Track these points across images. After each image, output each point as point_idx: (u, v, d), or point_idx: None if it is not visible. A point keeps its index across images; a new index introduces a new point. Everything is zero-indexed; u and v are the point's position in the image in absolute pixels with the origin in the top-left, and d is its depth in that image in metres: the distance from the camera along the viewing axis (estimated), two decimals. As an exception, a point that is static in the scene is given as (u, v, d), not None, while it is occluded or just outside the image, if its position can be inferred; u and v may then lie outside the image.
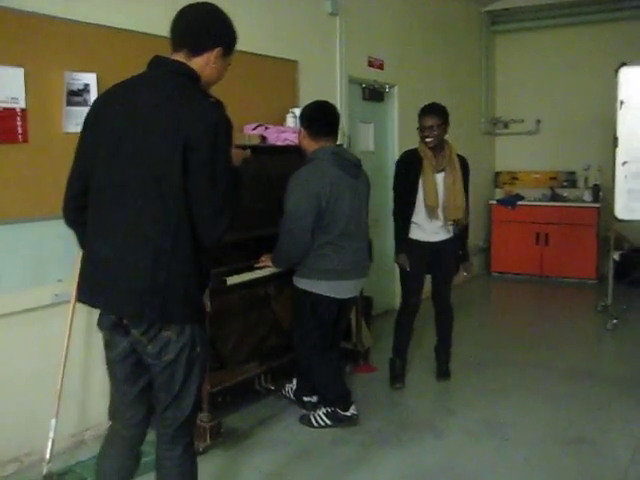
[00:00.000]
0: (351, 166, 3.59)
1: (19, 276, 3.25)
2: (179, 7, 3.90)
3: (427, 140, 4.11)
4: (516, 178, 8.71)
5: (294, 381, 4.03)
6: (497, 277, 8.38)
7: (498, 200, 8.39)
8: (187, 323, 2.14)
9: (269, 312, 4.19)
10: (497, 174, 8.88)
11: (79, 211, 2.21)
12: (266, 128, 4.40)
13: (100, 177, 2.11)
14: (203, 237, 2.09)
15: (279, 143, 4.31)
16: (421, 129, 4.18)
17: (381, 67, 6.11)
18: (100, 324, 2.24)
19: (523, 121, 8.56)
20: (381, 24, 6.10)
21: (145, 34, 3.74)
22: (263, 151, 4.14)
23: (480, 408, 4.04)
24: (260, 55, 4.59)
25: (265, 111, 4.62)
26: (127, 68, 3.63)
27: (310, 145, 3.60)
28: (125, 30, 3.64)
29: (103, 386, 3.56)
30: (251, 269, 3.59)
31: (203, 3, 2.30)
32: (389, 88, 6.32)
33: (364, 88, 5.99)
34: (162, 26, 3.81)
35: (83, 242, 2.23)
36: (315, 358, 3.65)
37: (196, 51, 2.18)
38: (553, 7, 8.00)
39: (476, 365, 4.89)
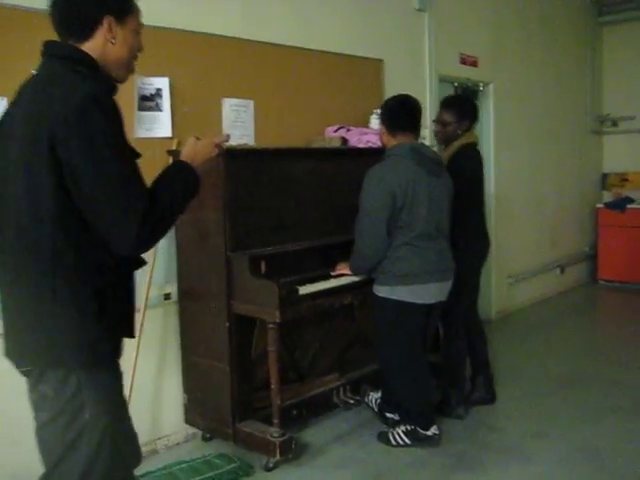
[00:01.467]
0: (431, 163, 3.37)
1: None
2: (254, 9, 3.93)
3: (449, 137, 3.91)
4: (626, 179, 8.11)
5: (372, 395, 3.83)
6: (603, 285, 7.83)
7: (606, 203, 7.83)
8: (72, 371, 1.65)
9: (352, 322, 4.03)
10: (605, 175, 8.30)
11: None
12: (348, 130, 4.24)
13: None
14: (116, 251, 1.67)
15: (361, 145, 4.13)
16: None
17: (475, 64, 5.81)
18: None
19: (634, 118, 7.95)
20: (474, 18, 5.81)
21: (219, 36, 3.68)
22: (343, 154, 3.99)
23: (575, 432, 3.67)
24: (343, 55, 4.45)
25: (348, 113, 4.47)
26: (200, 72, 3.65)
27: (389, 141, 3.43)
28: (198, 33, 3.57)
29: (176, 394, 3.55)
30: (327, 277, 3.43)
31: None
32: (484, 86, 6.02)
33: (456, 87, 5.73)
34: (236, 28, 3.82)
35: None
36: (398, 371, 3.44)
37: (83, 36, 1.72)
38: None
39: (573, 383, 4.51)
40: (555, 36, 7.16)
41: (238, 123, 3.79)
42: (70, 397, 1.65)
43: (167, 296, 3.52)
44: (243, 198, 3.29)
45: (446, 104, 4.00)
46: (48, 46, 1.74)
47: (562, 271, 7.47)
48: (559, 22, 7.25)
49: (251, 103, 3.86)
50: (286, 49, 4.06)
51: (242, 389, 3.33)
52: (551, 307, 6.89)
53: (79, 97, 1.58)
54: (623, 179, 8.14)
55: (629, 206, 7.63)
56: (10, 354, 1.74)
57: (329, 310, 3.62)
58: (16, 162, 1.65)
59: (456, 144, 3.84)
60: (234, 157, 3.22)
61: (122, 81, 1.85)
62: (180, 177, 1.83)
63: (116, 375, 1.79)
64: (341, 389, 3.85)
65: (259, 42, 3.89)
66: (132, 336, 1.86)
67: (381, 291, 3.33)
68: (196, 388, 3.52)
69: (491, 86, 6.06)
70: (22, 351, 1.70)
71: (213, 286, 3.30)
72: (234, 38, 3.75)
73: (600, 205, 7.88)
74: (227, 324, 3.25)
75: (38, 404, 1.70)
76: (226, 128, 3.71)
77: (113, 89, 1.77)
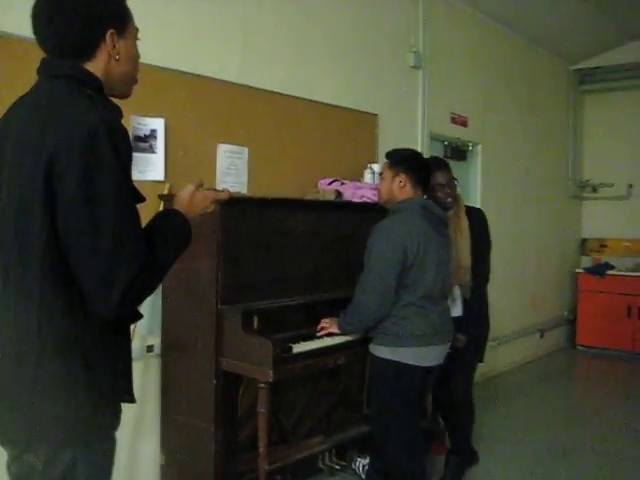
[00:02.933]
0: (439, 222, 3.28)
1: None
2: (254, 55, 3.86)
3: (448, 201, 3.61)
4: (605, 245, 8.14)
5: (359, 461, 3.63)
6: (582, 351, 7.77)
7: (585, 268, 7.84)
8: (66, 444, 1.45)
9: (337, 382, 3.86)
10: (584, 240, 8.35)
11: None
12: (342, 183, 4.14)
13: None
14: (94, 309, 1.42)
15: (355, 200, 4.03)
16: (432, 188, 3.55)
17: (464, 124, 5.82)
18: None
19: (613, 185, 8.03)
20: (465, 80, 5.84)
21: (217, 80, 3.59)
22: (338, 208, 3.88)
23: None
24: (338, 107, 4.39)
25: (342, 165, 4.39)
26: (197, 115, 3.53)
27: (403, 193, 3.27)
28: (196, 75, 3.48)
29: (153, 454, 3.32)
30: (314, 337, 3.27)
31: None
32: (472, 146, 6.02)
33: (446, 145, 5.72)
34: (235, 73, 3.73)
35: None
36: (393, 436, 3.25)
37: (85, 58, 1.53)
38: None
39: (556, 453, 4.38)
40: (540, 102, 7.26)
41: (232, 170, 3.67)
42: (64, 473, 1.44)
43: (149, 348, 3.32)
44: (237, 249, 3.14)
45: (442, 164, 3.73)
46: (48, 64, 1.53)
47: (542, 335, 7.40)
48: (544, 88, 7.37)
49: (245, 150, 3.75)
50: (283, 97, 3.98)
51: (227, 451, 3.12)
52: (532, 371, 6.80)
53: (88, 125, 1.37)
54: (602, 245, 8.18)
55: (609, 272, 7.64)
56: None
57: (322, 370, 3.45)
58: (6, 191, 1.46)
59: (462, 205, 3.73)
60: (229, 206, 3.08)
61: (127, 96, 1.68)
62: (176, 231, 1.60)
63: (112, 446, 1.58)
64: (327, 453, 3.65)
65: (257, 89, 3.81)
66: (132, 401, 1.62)
67: (381, 352, 3.16)
68: (176, 449, 3.29)
69: (479, 147, 6.07)
70: (9, 422, 1.47)
71: (201, 340, 3.11)
72: (232, 83, 3.67)
73: (580, 270, 7.88)
74: (214, 382, 3.06)
75: (21, 478, 1.48)
76: (220, 175, 3.59)
77: (121, 117, 1.57)
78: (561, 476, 4.02)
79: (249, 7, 3.81)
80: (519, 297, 6.92)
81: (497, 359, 6.48)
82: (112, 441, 1.58)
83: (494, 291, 6.28)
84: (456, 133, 5.74)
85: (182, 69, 3.39)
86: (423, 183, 3.30)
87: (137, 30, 1.64)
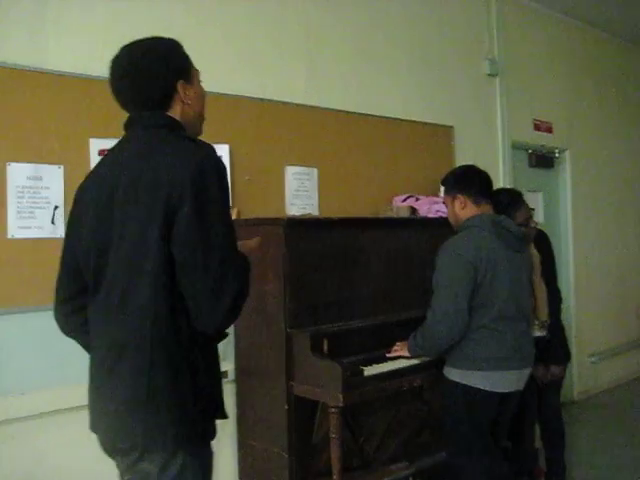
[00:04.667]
0: (514, 238, 3.08)
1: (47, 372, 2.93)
2: (319, 75, 3.84)
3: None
4: None
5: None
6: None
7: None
8: (178, 450, 1.60)
9: (422, 404, 3.72)
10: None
11: (69, 318, 1.83)
12: (417, 199, 4.04)
13: (91, 276, 1.69)
14: (201, 324, 1.59)
15: (431, 215, 3.92)
16: None
17: (549, 130, 5.59)
18: None
19: None
20: (547, 83, 5.61)
21: (281, 102, 3.60)
22: (410, 224, 3.77)
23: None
24: (411, 121, 4.31)
25: (417, 181, 4.28)
26: (262, 139, 3.53)
27: (467, 213, 3.14)
28: (259, 99, 3.50)
29: (231, 482, 3.31)
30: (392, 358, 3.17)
31: (137, 47, 1.75)
32: (559, 153, 5.77)
33: (530, 154, 5.50)
34: (300, 94, 3.72)
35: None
36: (468, 463, 3.09)
37: (164, 104, 1.74)
38: None
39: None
40: (634, 101, 6.88)
41: (301, 192, 3.65)
42: (177, 475, 1.60)
43: (224, 374, 3.32)
44: (304, 271, 3.10)
45: (517, 202, 3.44)
46: (139, 117, 1.74)
47: (649, 348, 6.95)
48: (636, 86, 6.97)
49: (315, 171, 3.72)
50: (350, 115, 3.94)
51: (302, 477, 3.06)
52: (637, 390, 6.37)
53: (196, 161, 1.58)
54: None
55: None
56: (102, 430, 1.67)
57: (399, 393, 3.34)
58: (123, 226, 1.62)
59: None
60: (295, 227, 3.05)
61: (200, 134, 1.85)
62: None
63: (212, 456, 1.75)
64: (410, 479, 3.52)
65: (324, 108, 3.79)
66: (225, 416, 1.77)
67: (453, 374, 3.03)
68: (252, 474, 3.26)
69: (567, 153, 5.81)
70: (125, 430, 1.60)
71: (271, 365, 3.09)
72: (298, 104, 3.66)
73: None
74: (286, 406, 3.01)
75: None
76: (289, 197, 3.58)
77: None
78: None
79: (312, 26, 3.81)
80: (623, 309, 6.55)
81: (599, 375, 6.13)
82: (211, 451, 1.74)
83: (591, 304, 6.00)
84: (540, 140, 5.52)
85: (245, 94, 3.42)
86: (486, 196, 3.14)
87: (198, 72, 1.84)
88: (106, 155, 1.80)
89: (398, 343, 3.21)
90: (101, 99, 2.97)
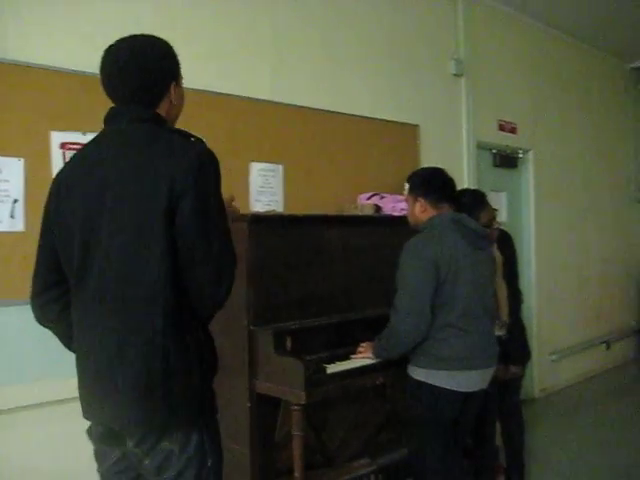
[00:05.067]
0: (475, 236, 3.10)
1: (36, 365, 2.92)
2: (285, 71, 3.82)
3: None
4: (674, 251, 7.77)
5: (411, 484, 3.50)
6: (654, 363, 7.42)
7: (653, 276, 7.49)
8: (194, 426, 1.73)
9: (383, 402, 3.74)
10: (651, 246, 7.98)
11: (47, 307, 1.85)
12: (382, 197, 4.05)
13: (76, 266, 1.72)
14: (202, 306, 1.71)
15: (395, 213, 3.93)
16: None
17: (513, 131, 5.65)
18: (89, 432, 1.83)
19: (680, 187, 7.69)
20: (511, 84, 5.68)
21: (247, 98, 3.60)
22: (374, 222, 3.78)
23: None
24: (377, 119, 4.31)
25: (382, 179, 4.29)
26: (227, 134, 3.48)
27: (427, 215, 3.15)
28: (226, 95, 3.48)
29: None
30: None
31: (136, 44, 1.80)
32: (523, 153, 5.85)
33: (495, 154, 5.56)
34: (266, 91, 3.68)
35: (69, 342, 1.85)
36: (430, 461, 3.11)
37: (153, 105, 1.80)
38: None
39: (623, 475, 4.13)
40: (596, 103, 7.01)
41: (266, 188, 3.63)
42: (196, 449, 1.72)
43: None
44: (268, 268, 3.08)
45: (480, 204, 3.49)
46: (129, 111, 1.76)
47: (608, 347, 7.08)
48: (599, 89, 7.10)
49: (280, 168, 3.70)
50: (317, 112, 3.93)
51: (264, 474, 3.05)
52: (597, 385, 6.51)
53: (196, 154, 1.67)
54: (670, 250, 7.79)
55: (679, 279, 7.27)
56: (109, 417, 1.71)
57: (363, 390, 3.35)
58: (116, 214, 1.66)
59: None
60: (260, 224, 3.04)
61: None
62: None
63: (216, 422, 1.87)
64: (372, 476, 3.53)
65: (290, 105, 3.78)
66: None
67: (417, 373, 3.03)
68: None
69: (531, 153, 5.90)
70: (141, 415, 1.66)
71: (234, 363, 3.06)
72: (263, 100, 3.64)
73: (648, 278, 7.54)
74: (248, 404, 3.00)
75: (162, 465, 1.71)
76: (253, 194, 3.56)
77: None
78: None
79: (279, 22, 3.79)
80: (582, 308, 6.66)
81: (559, 373, 6.24)
82: (218, 423, 1.87)
83: (553, 303, 6.09)
84: (505, 140, 5.58)
85: (210, 89, 3.38)
86: (448, 201, 3.15)
87: (182, 77, 1.91)
88: (86, 148, 1.83)
89: (363, 344, 3.20)
90: (63, 91, 2.93)
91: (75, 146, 2.94)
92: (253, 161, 3.57)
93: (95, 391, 1.72)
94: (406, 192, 3.25)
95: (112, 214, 1.66)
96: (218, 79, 3.43)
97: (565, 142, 6.41)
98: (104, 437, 1.75)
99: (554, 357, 6.13)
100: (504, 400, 3.63)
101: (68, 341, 1.84)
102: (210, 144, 3.27)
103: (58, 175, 1.83)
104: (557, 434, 4.89)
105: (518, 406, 3.77)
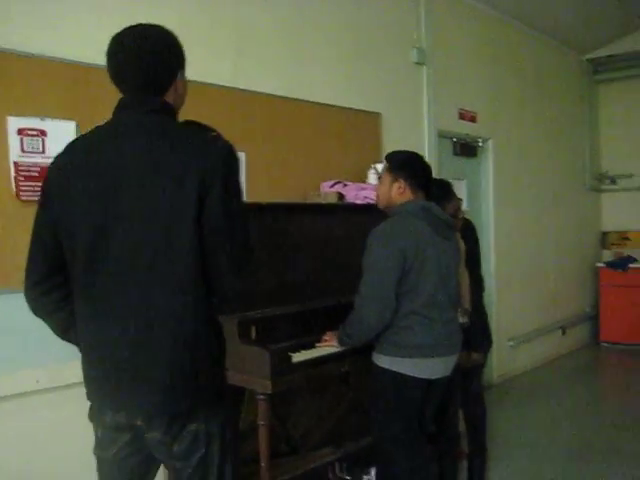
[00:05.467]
0: (443, 225, 3.11)
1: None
2: (247, 58, 3.77)
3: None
4: (626, 238, 7.96)
5: (372, 472, 3.51)
6: (607, 347, 7.60)
7: (607, 263, 7.66)
8: (219, 406, 1.84)
9: (347, 390, 3.74)
10: (604, 234, 8.16)
11: (47, 295, 1.83)
12: (345, 185, 4.03)
13: (85, 251, 1.71)
14: (224, 290, 1.77)
15: (358, 201, 3.92)
16: None
17: (473, 120, 5.69)
18: (95, 418, 1.83)
19: (632, 176, 7.86)
20: (472, 74, 5.72)
21: (209, 84, 3.51)
22: (340, 210, 3.77)
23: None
24: (339, 107, 4.29)
25: (345, 167, 4.28)
26: (187, 118, 3.46)
27: (403, 197, 3.13)
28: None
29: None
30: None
31: (147, 31, 1.82)
32: (483, 142, 5.89)
33: (455, 142, 5.59)
34: (228, 77, 3.62)
35: (65, 331, 1.86)
36: (395, 450, 3.12)
37: (161, 92, 1.82)
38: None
39: (582, 456, 4.24)
40: (553, 93, 7.11)
41: (229, 176, 3.58)
42: (219, 425, 1.82)
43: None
44: (232, 256, 3.05)
45: (448, 194, 3.49)
46: (140, 101, 1.78)
47: (564, 332, 7.24)
48: (556, 80, 7.21)
49: (242, 155, 3.65)
50: (281, 100, 3.89)
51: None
52: (553, 370, 6.66)
53: (221, 150, 1.73)
54: (623, 237, 7.98)
55: (631, 265, 7.45)
56: (134, 405, 1.73)
57: (329, 379, 3.34)
58: (142, 202, 1.68)
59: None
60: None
61: None
62: None
63: (229, 400, 1.98)
64: (337, 464, 3.54)
65: (252, 92, 3.72)
66: None
67: (382, 361, 3.04)
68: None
69: (490, 142, 5.95)
70: (172, 399, 1.72)
71: (198, 352, 3.02)
72: (225, 87, 3.58)
73: (601, 264, 7.71)
74: (213, 394, 2.96)
75: (190, 448, 1.78)
76: (216, 181, 3.50)
77: None
78: (580, 478, 3.89)
79: (241, 8, 3.73)
80: (539, 294, 6.78)
81: (517, 358, 6.34)
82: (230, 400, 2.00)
83: (512, 289, 6.18)
84: (465, 129, 5.62)
85: (171, 75, 3.31)
86: (424, 188, 3.15)
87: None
88: (91, 135, 1.81)
89: (328, 333, 3.19)
90: (19, 76, 2.83)
91: (33, 132, 2.87)
92: (216, 148, 3.51)
93: (115, 380, 1.72)
94: (382, 171, 3.23)
95: (136, 202, 1.68)
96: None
97: (523, 131, 6.49)
98: (120, 425, 1.76)
99: (512, 343, 6.23)
100: (466, 386, 3.67)
101: (65, 331, 1.86)
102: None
103: (60, 159, 1.80)
104: (516, 419, 4.99)
105: (480, 392, 3.82)
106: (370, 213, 3.60)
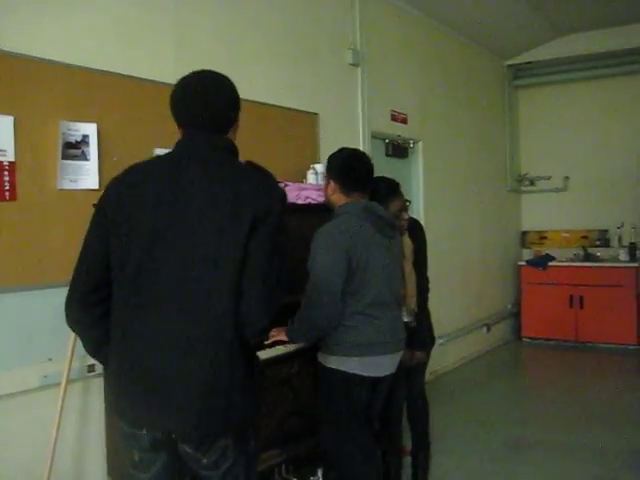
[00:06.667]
0: (385, 225, 3.13)
1: (1, 355, 2.81)
2: (187, 55, 3.69)
3: (403, 230, 3.47)
4: (545, 237, 8.30)
5: (319, 473, 3.51)
6: (528, 343, 7.89)
7: (527, 261, 7.95)
8: (247, 428, 1.94)
9: (288, 391, 3.71)
10: (524, 233, 8.47)
11: (90, 310, 1.92)
12: (285, 185, 4.00)
13: (134, 270, 1.83)
14: (248, 329, 1.85)
15: (299, 202, 3.90)
16: None
17: (404, 121, 5.78)
18: (132, 443, 1.92)
19: (550, 178, 8.19)
20: (404, 77, 5.82)
21: (151, 81, 3.44)
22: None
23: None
24: (277, 106, 4.27)
25: (284, 168, 4.23)
26: (131, 118, 3.34)
27: (340, 199, 3.14)
28: (129, 77, 3.31)
29: (97, 477, 3.13)
30: (265, 346, 3.12)
31: (215, 78, 2.11)
32: (413, 144, 6.00)
33: (387, 143, 5.66)
34: (169, 74, 3.51)
35: (98, 349, 1.98)
36: (343, 447, 3.13)
37: (225, 131, 2.05)
38: (576, 60, 7.73)
39: (514, 448, 4.38)
40: (477, 97, 7.33)
41: (170, 176, 3.50)
42: (245, 449, 1.92)
43: (90, 368, 3.11)
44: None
45: (393, 192, 3.46)
46: (208, 140, 1.99)
47: (488, 329, 7.45)
48: (481, 84, 7.43)
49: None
50: (221, 98, 3.82)
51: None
52: (480, 366, 6.86)
53: (278, 196, 1.93)
54: (542, 237, 8.31)
55: (550, 263, 7.75)
56: (169, 421, 1.82)
57: (273, 378, 3.30)
58: (198, 230, 1.83)
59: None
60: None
61: None
62: None
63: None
64: (282, 466, 3.50)
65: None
66: None
67: (329, 360, 3.04)
68: (122, 471, 3.09)
69: (420, 143, 6.06)
70: (208, 416, 1.82)
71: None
72: (166, 84, 3.48)
73: (522, 263, 7.98)
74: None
75: (218, 460, 1.88)
76: (157, 181, 3.41)
77: None
78: (515, 471, 4.01)
79: (182, 6, 3.66)
80: (464, 293, 6.95)
81: (446, 356, 6.47)
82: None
83: (440, 289, 6.29)
84: (397, 130, 5.69)
85: (112, 70, 3.21)
86: (360, 188, 3.15)
87: None
88: (159, 160, 2.05)
89: (275, 329, 3.16)
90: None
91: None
92: (158, 147, 3.41)
93: (151, 398, 1.82)
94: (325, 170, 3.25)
95: (191, 229, 1.82)
96: (120, 59, 3.27)
97: (451, 134, 6.64)
98: (156, 443, 1.86)
99: (442, 341, 6.34)
100: (410, 384, 3.72)
101: (97, 349, 1.97)
102: (112, 128, 3.18)
103: (123, 177, 1.95)
104: (448, 414, 5.09)
105: (423, 389, 3.88)
106: (312, 213, 3.61)
